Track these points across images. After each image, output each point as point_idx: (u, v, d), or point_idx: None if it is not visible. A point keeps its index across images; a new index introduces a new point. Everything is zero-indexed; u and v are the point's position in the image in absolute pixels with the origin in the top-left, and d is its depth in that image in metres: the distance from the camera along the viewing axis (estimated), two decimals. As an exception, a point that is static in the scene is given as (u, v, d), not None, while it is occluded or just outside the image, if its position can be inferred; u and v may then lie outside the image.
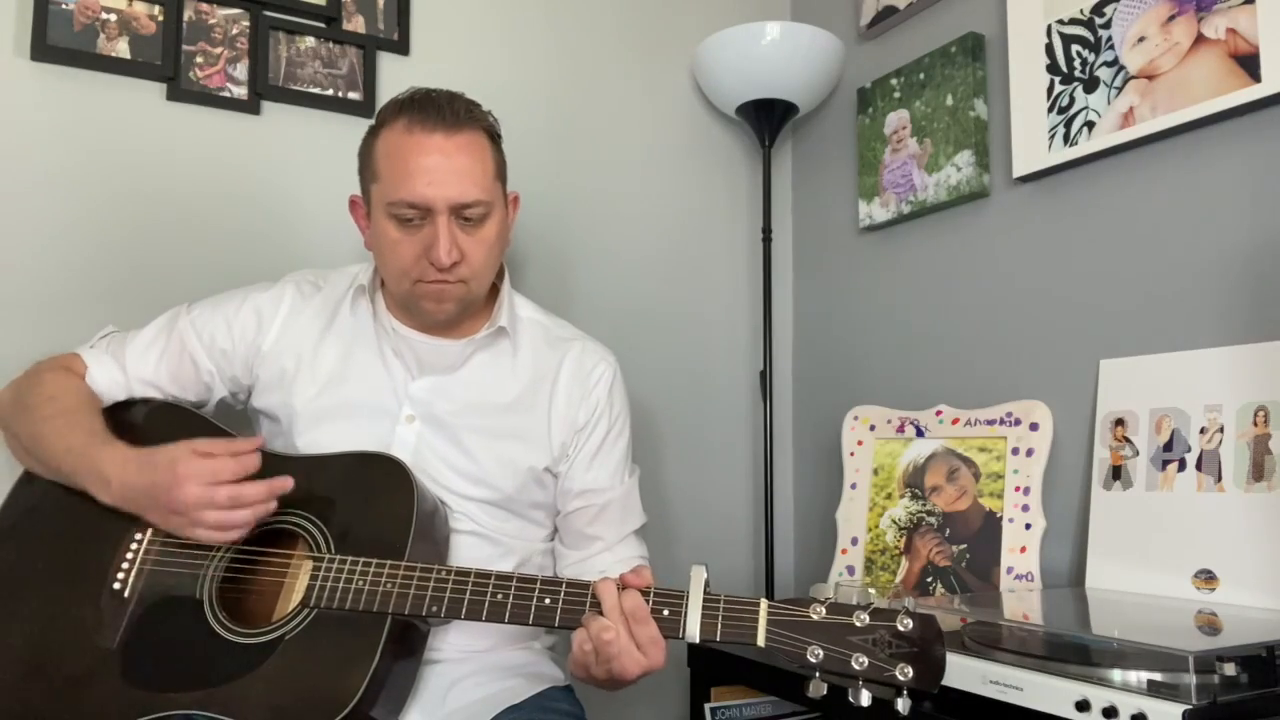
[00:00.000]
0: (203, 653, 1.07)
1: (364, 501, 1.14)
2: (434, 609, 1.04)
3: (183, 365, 1.29)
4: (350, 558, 1.08)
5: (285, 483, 1.09)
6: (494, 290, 1.34)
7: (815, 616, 0.94)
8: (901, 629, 0.91)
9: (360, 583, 1.06)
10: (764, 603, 0.96)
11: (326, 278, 1.36)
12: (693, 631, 0.96)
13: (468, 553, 1.23)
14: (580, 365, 1.34)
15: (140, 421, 1.26)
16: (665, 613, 0.98)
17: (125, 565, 1.13)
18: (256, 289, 1.33)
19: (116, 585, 1.12)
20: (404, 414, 1.26)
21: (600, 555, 1.31)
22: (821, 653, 0.92)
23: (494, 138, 1.26)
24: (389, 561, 1.07)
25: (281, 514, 1.14)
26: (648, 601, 0.98)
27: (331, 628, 1.06)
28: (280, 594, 1.13)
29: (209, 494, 1.05)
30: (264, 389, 1.29)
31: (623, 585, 0.99)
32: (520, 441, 1.29)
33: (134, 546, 1.14)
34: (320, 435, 1.24)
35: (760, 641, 0.94)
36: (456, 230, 1.20)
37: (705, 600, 0.97)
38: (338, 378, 1.28)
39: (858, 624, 0.92)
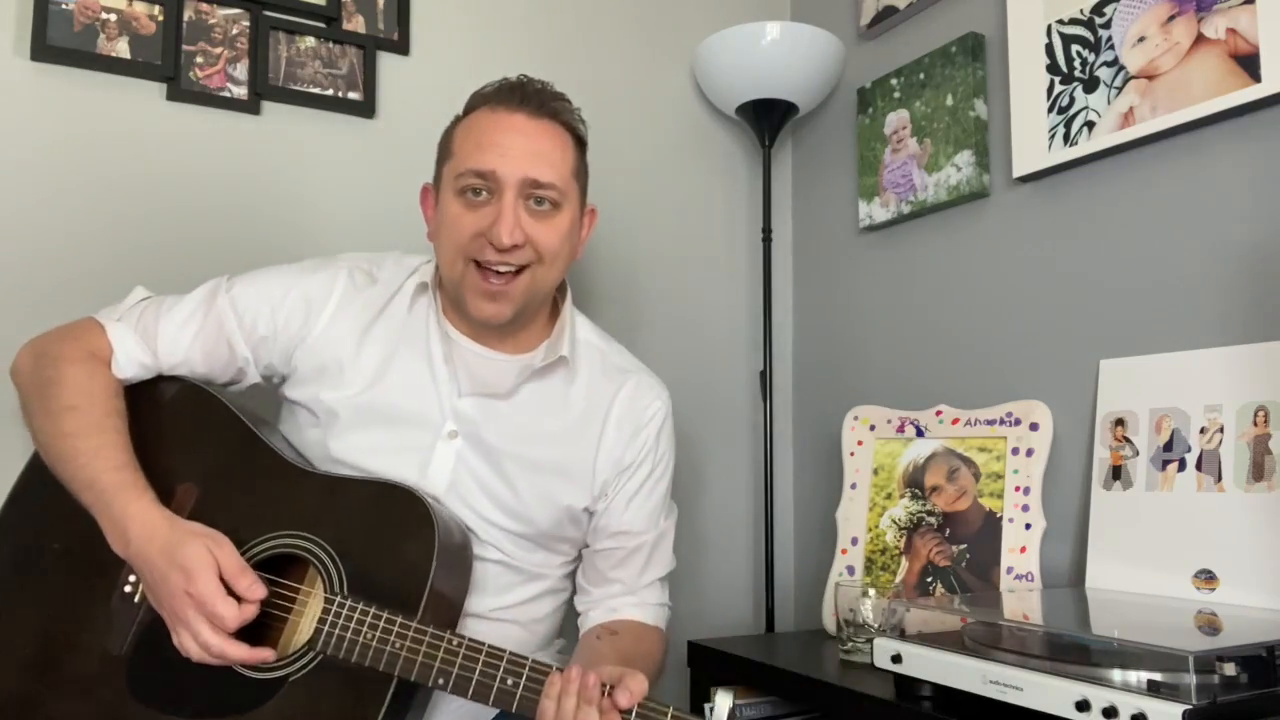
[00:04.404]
0: (206, 679, 1.05)
1: (382, 541, 1.09)
2: (440, 682, 1.01)
3: (218, 347, 1.21)
4: (361, 606, 1.03)
5: (265, 654, 1.03)
6: (554, 309, 1.29)
7: None
8: None
9: (369, 636, 1.02)
10: None
11: (382, 266, 1.27)
12: None
13: (491, 581, 1.20)
14: (634, 403, 1.29)
15: (163, 406, 1.20)
16: None
17: None
18: (305, 272, 1.24)
19: (127, 588, 1.10)
20: (447, 429, 1.20)
21: (619, 598, 1.29)
22: None
23: (579, 140, 1.22)
24: (399, 619, 1.03)
25: (296, 537, 1.11)
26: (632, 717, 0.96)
27: (336, 677, 1.04)
28: (287, 623, 1.11)
29: (196, 624, 1.01)
30: (301, 380, 1.22)
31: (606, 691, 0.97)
32: (563, 478, 1.24)
33: None
34: (357, 438, 1.18)
35: None
36: (523, 212, 1.14)
37: None
38: (381, 379, 1.20)
39: None
